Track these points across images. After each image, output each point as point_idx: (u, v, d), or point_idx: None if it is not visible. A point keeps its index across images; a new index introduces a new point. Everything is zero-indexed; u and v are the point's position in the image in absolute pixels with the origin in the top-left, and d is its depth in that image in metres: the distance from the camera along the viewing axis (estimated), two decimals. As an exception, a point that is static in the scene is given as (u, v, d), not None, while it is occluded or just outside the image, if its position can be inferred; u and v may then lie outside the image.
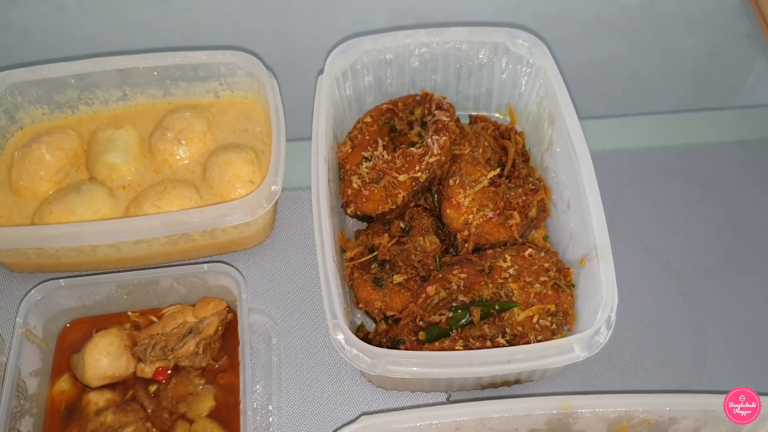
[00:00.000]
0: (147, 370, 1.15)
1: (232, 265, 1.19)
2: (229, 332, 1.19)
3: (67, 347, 1.19)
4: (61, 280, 1.15)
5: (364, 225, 1.37)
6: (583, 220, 1.15)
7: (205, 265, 1.15)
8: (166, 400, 1.14)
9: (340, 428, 0.97)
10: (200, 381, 1.14)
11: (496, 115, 1.45)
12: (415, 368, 1.04)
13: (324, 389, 1.21)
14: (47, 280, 1.17)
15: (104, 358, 1.13)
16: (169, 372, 1.16)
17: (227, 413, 1.12)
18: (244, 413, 1.04)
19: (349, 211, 1.31)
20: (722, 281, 1.32)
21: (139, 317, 1.20)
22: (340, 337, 1.06)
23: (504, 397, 1.05)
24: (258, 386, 1.21)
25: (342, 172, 1.33)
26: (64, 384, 1.16)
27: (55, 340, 1.19)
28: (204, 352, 1.15)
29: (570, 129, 1.21)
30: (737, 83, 1.86)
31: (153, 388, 1.15)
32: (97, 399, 1.13)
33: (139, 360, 1.16)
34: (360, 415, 0.99)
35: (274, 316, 1.30)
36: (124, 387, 1.16)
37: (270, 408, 1.20)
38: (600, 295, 1.08)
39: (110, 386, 1.16)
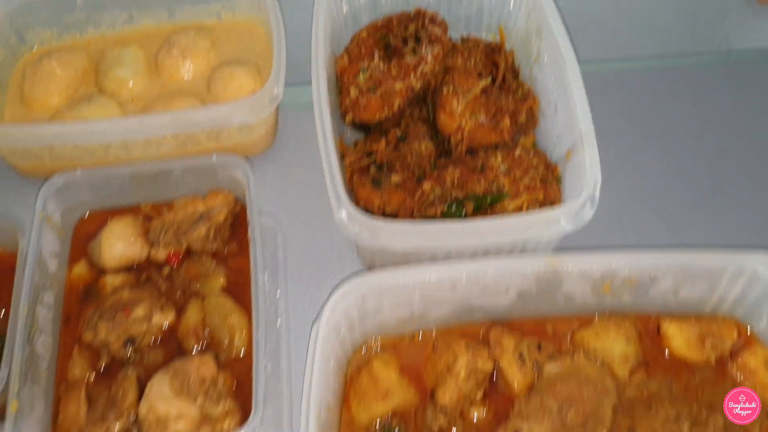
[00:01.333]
0: (160, 254, 1.22)
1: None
2: (237, 223, 1.26)
3: (83, 237, 1.25)
4: (77, 171, 1.21)
5: (362, 137, 1.45)
6: (569, 117, 1.23)
7: (214, 155, 1.22)
8: (179, 281, 1.20)
9: (339, 283, 1.04)
10: (211, 263, 1.21)
11: (487, 35, 1.53)
12: (413, 238, 1.11)
13: (328, 282, 1.28)
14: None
15: (119, 241, 1.20)
16: (181, 256, 1.22)
17: (237, 292, 1.19)
18: (255, 282, 1.10)
19: (347, 119, 1.38)
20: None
21: (151, 210, 1.27)
22: (343, 214, 1.13)
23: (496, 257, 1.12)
24: (266, 274, 1.28)
25: (340, 84, 1.41)
26: (81, 268, 1.22)
27: (72, 230, 1.25)
28: (214, 238, 1.22)
29: (557, 36, 1.29)
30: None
31: (166, 270, 1.22)
32: (113, 281, 1.20)
33: (153, 245, 1.22)
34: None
35: (279, 218, 1.37)
36: (138, 271, 1.22)
37: (277, 296, 1.27)
38: (585, 176, 1.15)
39: (125, 270, 1.22)
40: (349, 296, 1.03)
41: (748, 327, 1.14)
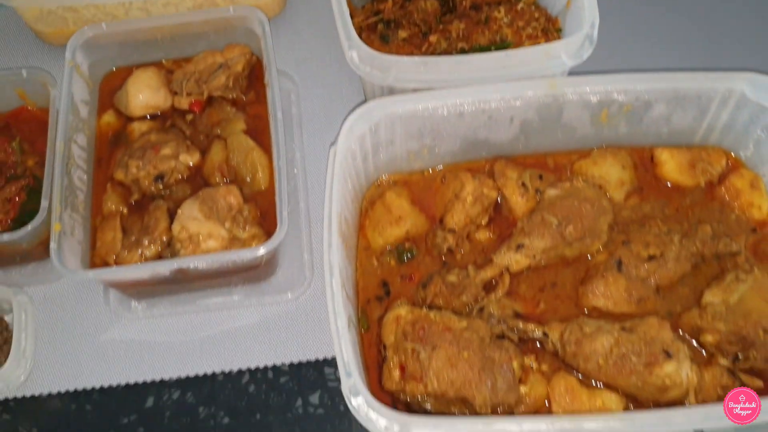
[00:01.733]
0: (183, 102, 1.30)
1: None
2: (253, 75, 1.33)
3: (109, 91, 1.32)
4: (103, 23, 1.28)
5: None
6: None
7: (231, 7, 1.28)
8: (202, 126, 1.28)
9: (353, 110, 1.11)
10: (231, 110, 1.29)
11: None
12: (421, 72, 1.18)
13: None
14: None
15: (145, 90, 1.28)
16: (203, 104, 1.29)
17: (257, 136, 1.26)
18: (274, 119, 1.18)
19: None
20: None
21: (173, 65, 1.34)
22: (354, 55, 1.19)
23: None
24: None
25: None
26: (109, 117, 1.30)
27: (99, 83, 1.32)
28: (233, 86, 1.29)
29: None
30: None
31: (189, 117, 1.30)
32: (140, 127, 1.28)
33: (176, 94, 1.30)
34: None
35: (292, 76, 1.44)
36: (163, 118, 1.30)
37: (294, 146, 1.35)
38: (584, 17, 1.21)
39: (151, 117, 1.30)
40: (363, 120, 1.11)
41: (735, 154, 1.21)
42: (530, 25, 1.36)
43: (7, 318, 1.23)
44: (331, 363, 1.21)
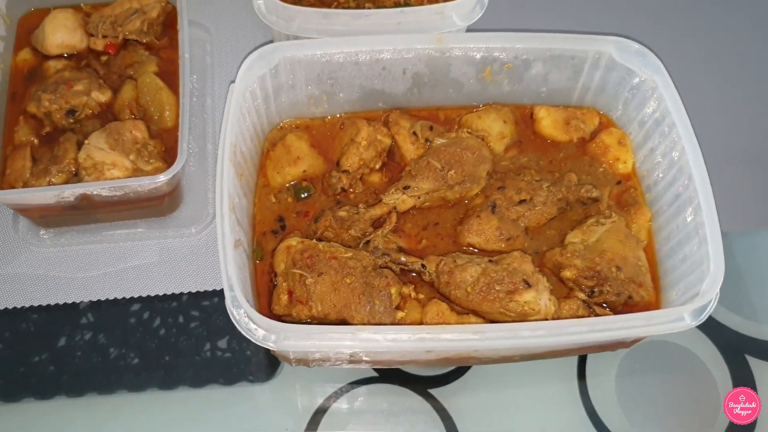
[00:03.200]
0: (99, 44, 1.36)
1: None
2: (168, 22, 1.40)
3: (27, 30, 1.38)
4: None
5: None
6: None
7: (148, -45, 1.35)
8: (115, 67, 1.35)
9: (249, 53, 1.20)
10: (144, 53, 1.35)
11: None
12: (323, 22, 1.27)
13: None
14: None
15: (62, 29, 1.33)
16: (118, 47, 1.36)
17: (167, 78, 1.34)
18: (182, 57, 1.25)
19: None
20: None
21: (91, 9, 1.40)
22: (261, 3, 1.28)
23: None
24: (194, 76, 1.43)
25: None
26: (25, 55, 1.35)
27: (17, 22, 1.38)
28: (148, 31, 1.36)
29: None
30: None
31: (104, 58, 1.36)
32: (55, 64, 1.34)
33: (92, 35, 1.36)
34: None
35: (209, 28, 1.52)
36: (78, 59, 1.36)
37: (205, 91, 1.42)
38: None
39: (67, 57, 1.36)
40: (263, 61, 1.19)
41: (606, 113, 1.33)
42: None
43: None
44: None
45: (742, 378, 1.23)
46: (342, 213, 1.22)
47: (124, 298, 1.27)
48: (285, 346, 1.00)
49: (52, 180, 1.20)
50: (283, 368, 1.23)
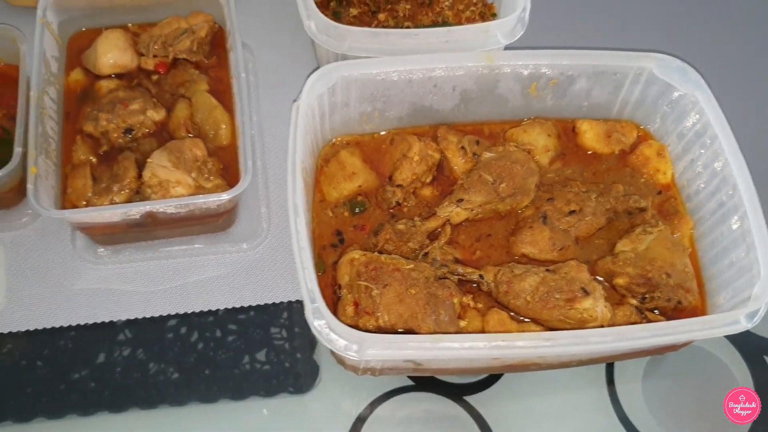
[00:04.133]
0: (149, 63, 1.38)
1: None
2: (215, 42, 1.44)
3: (77, 50, 1.40)
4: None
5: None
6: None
7: (196, -23, 1.39)
8: (167, 85, 1.37)
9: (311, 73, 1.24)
10: (195, 71, 1.38)
11: None
12: (374, 41, 1.31)
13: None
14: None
15: (113, 49, 1.36)
16: (168, 66, 1.39)
17: (218, 97, 1.36)
18: (238, 78, 1.28)
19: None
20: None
21: (138, 29, 1.42)
22: (312, 24, 1.32)
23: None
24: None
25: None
26: (77, 75, 1.37)
27: (67, 42, 1.40)
28: (197, 50, 1.39)
29: None
30: None
31: (155, 78, 1.39)
32: (108, 84, 1.36)
33: (142, 55, 1.39)
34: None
35: (251, 47, 1.55)
36: (129, 78, 1.38)
37: (251, 109, 1.46)
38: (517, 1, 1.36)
39: (117, 77, 1.38)
40: (324, 80, 1.23)
41: (645, 126, 1.39)
42: (469, 9, 1.51)
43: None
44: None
45: (764, 381, 1.28)
46: (400, 226, 1.26)
47: (168, 315, 1.29)
48: (367, 355, 1.04)
49: (115, 198, 1.22)
50: (322, 379, 1.27)
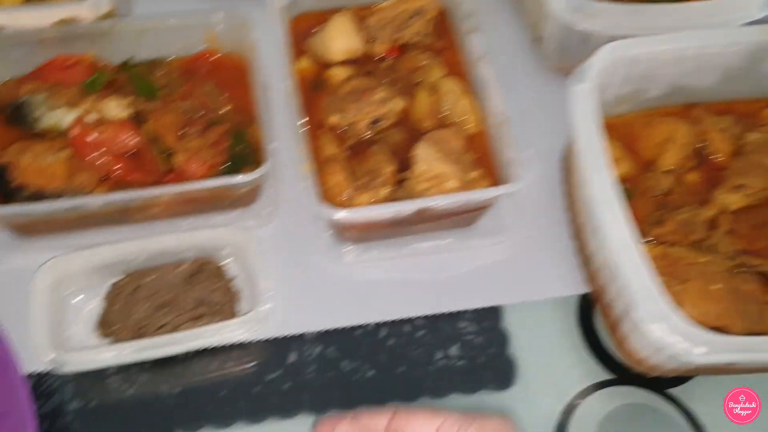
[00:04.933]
0: (378, 49, 1.29)
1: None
2: (440, 23, 1.34)
3: (299, 36, 1.30)
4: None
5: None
6: None
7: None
8: (400, 72, 1.28)
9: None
10: (426, 56, 1.29)
11: None
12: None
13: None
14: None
15: (344, 33, 1.26)
16: (399, 50, 1.29)
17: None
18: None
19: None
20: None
21: (362, 11, 1.32)
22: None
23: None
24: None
25: None
26: (303, 63, 1.28)
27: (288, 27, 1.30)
28: (429, 33, 1.29)
29: None
30: None
31: (386, 63, 1.29)
32: (339, 72, 1.26)
33: (369, 41, 1.29)
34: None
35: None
36: (359, 65, 1.29)
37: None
38: None
39: (346, 63, 1.28)
40: (611, 58, 1.13)
41: None
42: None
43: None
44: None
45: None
46: (682, 215, 1.17)
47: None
48: (714, 359, 0.95)
49: (378, 194, 1.13)
50: (520, 374, 1.18)
